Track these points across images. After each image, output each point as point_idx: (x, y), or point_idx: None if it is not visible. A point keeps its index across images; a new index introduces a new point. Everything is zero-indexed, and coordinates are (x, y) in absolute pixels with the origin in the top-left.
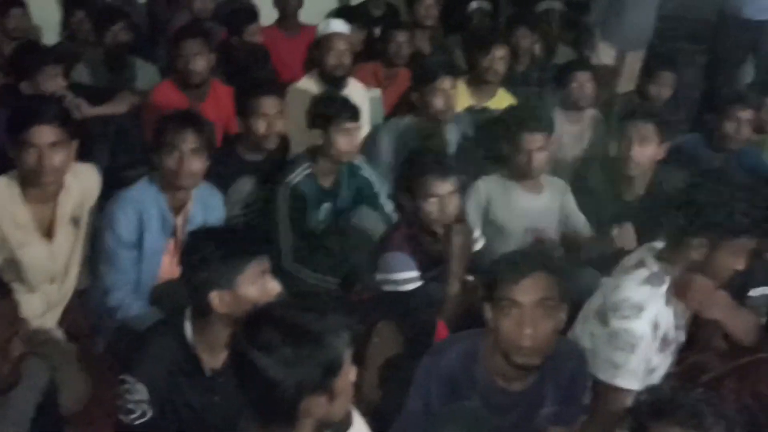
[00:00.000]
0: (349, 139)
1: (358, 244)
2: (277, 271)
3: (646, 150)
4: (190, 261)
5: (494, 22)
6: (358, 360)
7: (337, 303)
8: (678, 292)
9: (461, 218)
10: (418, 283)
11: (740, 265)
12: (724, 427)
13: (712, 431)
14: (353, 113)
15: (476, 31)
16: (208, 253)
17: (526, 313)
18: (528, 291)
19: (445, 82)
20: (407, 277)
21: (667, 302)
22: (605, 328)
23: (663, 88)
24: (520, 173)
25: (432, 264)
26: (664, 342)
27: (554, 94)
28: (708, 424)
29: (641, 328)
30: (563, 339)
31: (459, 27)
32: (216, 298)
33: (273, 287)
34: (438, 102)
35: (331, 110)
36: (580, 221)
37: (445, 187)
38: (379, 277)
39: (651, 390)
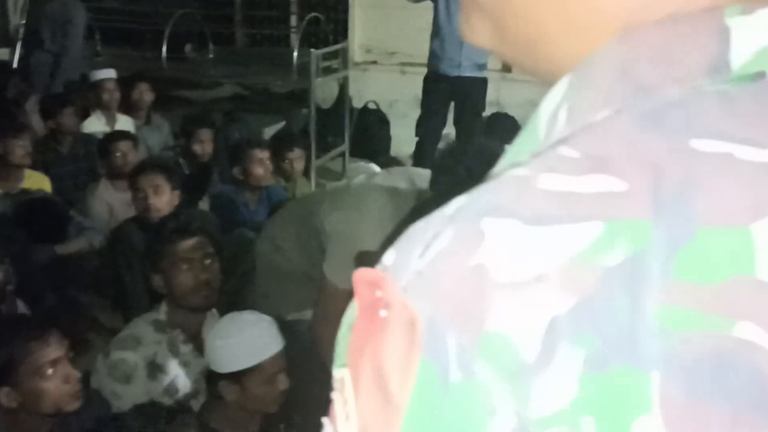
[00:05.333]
0: None
1: None
2: None
3: (162, 197)
4: None
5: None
6: None
7: None
8: None
9: None
10: None
11: None
12: None
13: None
14: None
15: None
16: None
17: None
18: None
19: None
20: None
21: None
22: (106, 359)
23: (205, 144)
24: None
25: None
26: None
27: (101, 165)
28: None
29: (134, 359)
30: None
31: None
32: None
33: None
34: None
35: None
36: None
37: None
38: None
39: None
